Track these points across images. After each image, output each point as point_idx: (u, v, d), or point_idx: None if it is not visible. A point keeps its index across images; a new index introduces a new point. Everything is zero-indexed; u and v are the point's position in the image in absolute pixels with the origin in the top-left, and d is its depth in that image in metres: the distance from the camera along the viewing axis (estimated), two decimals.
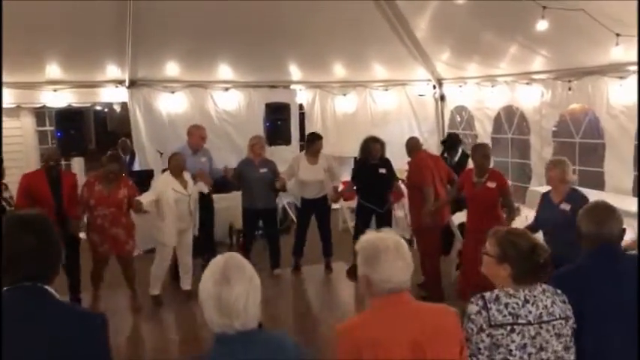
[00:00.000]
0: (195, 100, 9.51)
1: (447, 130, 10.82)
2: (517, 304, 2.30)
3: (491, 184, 5.36)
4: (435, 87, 10.59)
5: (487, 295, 2.33)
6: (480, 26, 7.62)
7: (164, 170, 6.60)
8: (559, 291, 2.42)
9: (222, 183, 7.49)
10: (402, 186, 7.04)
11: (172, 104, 9.33)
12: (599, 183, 7.49)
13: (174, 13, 7.55)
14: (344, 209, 8.40)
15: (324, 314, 6.21)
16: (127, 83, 8.92)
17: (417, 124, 10.79)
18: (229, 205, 7.96)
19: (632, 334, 2.55)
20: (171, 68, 9.02)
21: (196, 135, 6.98)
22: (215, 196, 7.46)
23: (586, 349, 2.48)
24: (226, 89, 9.70)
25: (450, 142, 7.93)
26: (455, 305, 2.37)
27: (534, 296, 2.33)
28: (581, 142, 8.11)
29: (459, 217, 6.53)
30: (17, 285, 1.86)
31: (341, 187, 7.51)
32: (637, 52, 4.22)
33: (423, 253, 6.27)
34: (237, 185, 7.32)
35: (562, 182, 4.66)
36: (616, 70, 7.07)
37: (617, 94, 7.22)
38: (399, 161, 8.75)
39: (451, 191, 6.14)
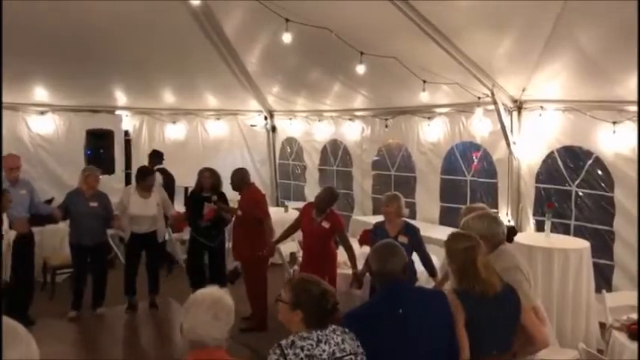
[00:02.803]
0: (5, 123, 8.60)
1: (278, 161, 11.13)
2: (311, 345, 2.44)
3: (326, 225, 5.60)
4: (266, 118, 10.82)
5: (283, 342, 2.44)
6: (307, 65, 8.02)
7: None
8: (347, 329, 2.60)
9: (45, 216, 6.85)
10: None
11: None
12: (411, 213, 8.22)
13: None
14: (173, 241, 8.14)
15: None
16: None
17: (249, 154, 10.92)
18: (43, 239, 7.30)
19: None
20: None
21: (4, 168, 6.25)
22: None
23: None
24: (42, 113, 8.98)
25: (154, 158, 8.38)
26: (281, 337, 2.47)
27: (326, 335, 2.49)
28: (396, 175, 8.87)
29: (290, 247, 6.73)
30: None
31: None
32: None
33: (254, 285, 6.29)
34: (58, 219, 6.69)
35: (398, 216, 5.11)
36: (424, 111, 7.91)
37: (425, 132, 8.07)
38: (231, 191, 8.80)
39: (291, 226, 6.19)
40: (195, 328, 2.24)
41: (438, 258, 5.62)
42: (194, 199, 6.79)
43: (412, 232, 5.07)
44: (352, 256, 5.63)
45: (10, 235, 5.69)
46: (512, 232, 4.56)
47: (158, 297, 6.94)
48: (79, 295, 6.55)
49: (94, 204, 6.45)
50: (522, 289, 3.14)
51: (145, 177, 6.70)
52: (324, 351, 2.44)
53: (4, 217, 5.64)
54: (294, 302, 2.52)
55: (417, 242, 5.07)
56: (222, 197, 6.77)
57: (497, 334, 2.99)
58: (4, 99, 8.43)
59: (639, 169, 5.49)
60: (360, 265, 5.33)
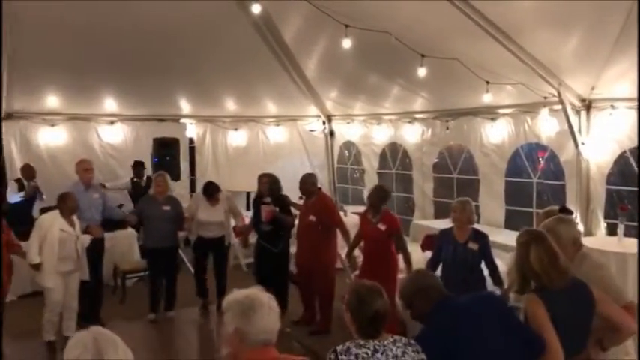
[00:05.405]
0: (78, 133, 9.11)
1: (336, 166, 11.16)
2: (367, 353, 2.43)
3: (382, 227, 5.61)
4: (324, 123, 10.89)
5: (339, 347, 2.45)
6: (365, 69, 8.01)
7: (44, 210, 6.19)
8: (412, 341, 2.55)
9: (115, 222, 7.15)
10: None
11: (52, 138, 8.87)
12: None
13: (54, 41, 7.20)
14: (236, 246, 8.30)
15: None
16: (1, 115, 8.31)
17: (307, 159, 11.01)
18: (113, 245, 7.60)
19: None
20: (52, 100, 8.58)
21: (79, 170, 6.60)
22: None
23: None
24: (112, 123, 9.38)
25: (139, 168, 8.69)
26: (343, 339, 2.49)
27: (384, 346, 2.47)
28: (459, 178, 8.71)
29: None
30: None
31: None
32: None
33: (324, 295, 6.29)
34: (134, 224, 7.01)
35: (469, 223, 4.98)
36: (487, 112, 7.74)
37: (488, 134, 7.89)
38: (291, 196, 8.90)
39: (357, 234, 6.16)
40: (267, 329, 2.27)
41: (503, 263, 5.47)
42: (254, 204, 6.93)
43: (481, 239, 4.93)
44: (408, 260, 5.61)
45: (84, 239, 5.97)
46: (568, 213, 4.42)
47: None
48: (157, 298, 6.76)
49: (166, 207, 6.68)
50: (614, 284, 3.16)
51: (212, 195, 6.91)
52: None
53: (75, 219, 5.92)
54: (347, 304, 2.59)
55: (486, 249, 4.96)
56: (281, 201, 6.73)
57: (568, 330, 2.89)
58: (79, 111, 8.96)
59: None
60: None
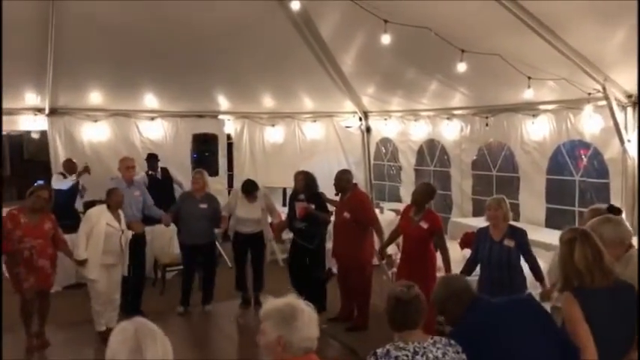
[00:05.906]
0: (119, 129, 9.28)
1: (372, 162, 11.10)
2: (407, 356, 2.42)
3: (424, 225, 5.50)
4: (361, 119, 10.85)
5: (379, 351, 2.44)
6: (403, 65, 7.95)
7: (88, 203, 6.34)
8: (453, 342, 2.53)
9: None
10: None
11: (95, 133, 9.07)
12: (514, 214, 7.86)
13: (97, 40, 7.38)
14: (272, 241, 8.35)
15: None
16: (46, 111, 8.58)
17: (344, 155, 10.98)
18: (153, 238, 7.75)
19: None
20: (95, 97, 8.78)
21: (121, 167, 6.80)
22: None
23: None
24: (152, 118, 9.53)
25: (152, 161, 8.65)
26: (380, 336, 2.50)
27: (424, 347, 2.45)
28: (498, 175, 8.56)
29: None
30: None
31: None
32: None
33: (361, 292, 6.26)
34: (168, 225, 7.08)
35: (505, 220, 4.90)
36: (528, 108, 7.57)
37: (529, 130, 7.72)
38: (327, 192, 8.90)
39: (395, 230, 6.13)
40: (309, 336, 2.27)
41: (545, 262, 5.36)
42: (289, 202, 6.95)
43: (518, 235, 4.85)
44: (447, 260, 5.51)
45: (127, 234, 6.11)
46: (617, 211, 4.25)
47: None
48: (188, 293, 6.89)
49: (203, 205, 6.76)
50: None
51: (251, 193, 6.92)
52: None
53: (121, 214, 6.06)
54: (386, 305, 2.60)
55: (523, 246, 4.86)
56: (318, 198, 6.71)
57: (610, 331, 2.80)
58: (120, 107, 9.13)
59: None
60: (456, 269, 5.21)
